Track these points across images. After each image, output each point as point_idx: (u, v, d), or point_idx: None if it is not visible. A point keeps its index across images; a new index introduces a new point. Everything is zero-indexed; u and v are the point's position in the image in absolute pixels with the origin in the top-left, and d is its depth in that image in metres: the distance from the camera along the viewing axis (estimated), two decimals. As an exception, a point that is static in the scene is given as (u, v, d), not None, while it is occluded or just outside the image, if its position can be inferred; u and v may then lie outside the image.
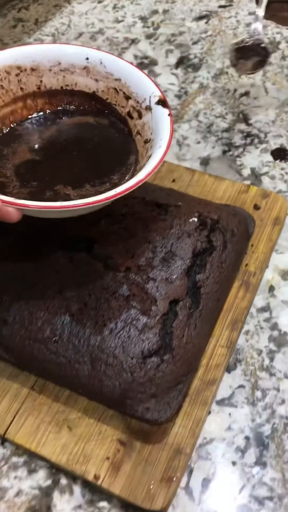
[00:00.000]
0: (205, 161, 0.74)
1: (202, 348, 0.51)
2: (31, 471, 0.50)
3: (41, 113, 0.59)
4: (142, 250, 0.53)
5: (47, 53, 0.57)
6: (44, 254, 0.54)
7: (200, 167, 0.74)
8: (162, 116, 0.53)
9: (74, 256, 0.53)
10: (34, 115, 0.59)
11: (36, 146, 0.57)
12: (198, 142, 0.77)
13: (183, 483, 0.48)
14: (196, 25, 0.99)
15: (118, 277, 0.51)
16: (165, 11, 1.03)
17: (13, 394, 0.52)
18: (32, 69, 0.56)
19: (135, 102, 0.56)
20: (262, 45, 0.74)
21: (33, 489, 0.49)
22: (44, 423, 0.50)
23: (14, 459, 0.51)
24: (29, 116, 0.59)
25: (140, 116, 0.56)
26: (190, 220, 0.55)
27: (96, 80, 0.58)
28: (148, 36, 0.97)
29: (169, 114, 0.53)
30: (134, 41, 0.97)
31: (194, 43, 0.95)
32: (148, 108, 0.55)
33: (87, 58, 0.57)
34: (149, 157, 0.51)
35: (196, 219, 0.55)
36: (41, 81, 0.57)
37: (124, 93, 0.57)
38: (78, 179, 0.53)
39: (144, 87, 0.56)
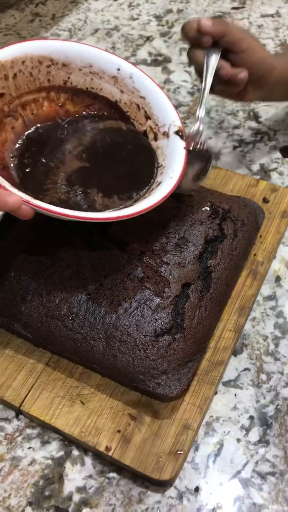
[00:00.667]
0: (216, 156, 0.77)
1: (211, 330, 0.54)
2: (44, 443, 0.52)
3: (72, 118, 0.60)
4: (156, 236, 0.55)
5: (82, 54, 0.58)
6: (61, 237, 0.56)
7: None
8: (178, 147, 0.55)
9: (90, 240, 0.56)
10: (68, 120, 0.59)
11: (79, 150, 0.57)
12: (210, 138, 0.80)
13: (189, 457, 0.51)
14: (209, 25, 1.01)
15: (133, 260, 0.54)
16: (179, 11, 1.05)
17: (28, 369, 0.54)
18: (64, 65, 0.58)
19: (154, 124, 0.58)
20: (204, 148, 0.59)
21: (46, 459, 0.51)
22: (58, 397, 0.52)
23: (28, 431, 0.53)
24: (53, 113, 0.59)
25: (156, 138, 0.57)
26: (203, 209, 0.58)
27: (122, 92, 0.59)
28: (163, 34, 1.00)
29: (184, 147, 0.55)
30: (148, 39, 0.99)
31: (207, 42, 0.98)
32: (166, 135, 0.56)
33: (119, 69, 0.58)
34: (158, 183, 0.53)
35: (208, 208, 0.58)
36: (69, 78, 0.59)
37: (145, 112, 0.58)
38: (110, 188, 0.54)
39: (167, 113, 0.57)
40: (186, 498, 0.49)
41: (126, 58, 0.95)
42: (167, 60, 0.94)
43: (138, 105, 0.59)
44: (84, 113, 0.60)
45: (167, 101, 0.57)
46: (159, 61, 0.94)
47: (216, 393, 0.54)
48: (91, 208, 0.52)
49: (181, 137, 0.55)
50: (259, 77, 0.62)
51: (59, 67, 0.58)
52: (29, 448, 0.52)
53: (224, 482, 0.49)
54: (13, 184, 0.49)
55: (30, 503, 0.49)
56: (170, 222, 0.56)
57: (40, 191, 0.53)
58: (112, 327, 0.50)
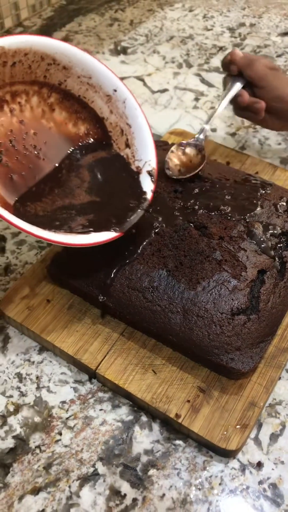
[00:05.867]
0: (285, 161, 0.80)
1: (282, 316, 0.56)
2: (115, 406, 0.55)
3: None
4: (234, 224, 0.59)
5: (86, 64, 0.58)
6: (145, 217, 0.60)
7: (280, 165, 0.79)
8: (146, 187, 0.58)
9: (173, 222, 0.59)
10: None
11: (84, 185, 0.59)
12: (279, 144, 0.83)
13: (252, 434, 0.53)
14: (280, 40, 1.05)
15: (212, 244, 0.57)
16: (252, 25, 1.10)
17: (104, 337, 0.58)
18: (65, 68, 0.57)
19: (131, 155, 0.59)
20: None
21: (116, 422, 0.54)
22: (131, 365, 0.55)
23: (100, 394, 0.56)
24: (40, 116, 0.59)
25: None
26: (280, 204, 0.61)
27: (111, 112, 0.60)
28: (235, 45, 1.04)
29: (152, 190, 0.58)
30: (221, 49, 1.04)
31: (278, 56, 1.01)
32: (138, 170, 0.59)
33: (115, 90, 0.59)
34: None
35: (285, 204, 0.61)
36: (65, 80, 0.59)
37: (127, 139, 0.60)
38: (95, 221, 0.56)
39: (146, 150, 0.59)
40: (248, 471, 0.51)
41: (200, 65, 0.99)
42: (239, 69, 0.98)
43: (122, 130, 0.60)
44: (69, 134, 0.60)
45: (150, 138, 0.59)
46: (231, 69, 0.98)
47: (280, 378, 0.57)
48: (60, 226, 0.53)
49: (152, 179, 0.58)
50: (278, 111, 0.69)
51: (59, 68, 0.57)
52: (101, 410, 0.55)
53: (285, 460, 0.51)
54: None
55: (101, 459, 0.52)
56: (249, 213, 0.60)
57: (30, 199, 0.54)
58: (190, 302, 0.54)
